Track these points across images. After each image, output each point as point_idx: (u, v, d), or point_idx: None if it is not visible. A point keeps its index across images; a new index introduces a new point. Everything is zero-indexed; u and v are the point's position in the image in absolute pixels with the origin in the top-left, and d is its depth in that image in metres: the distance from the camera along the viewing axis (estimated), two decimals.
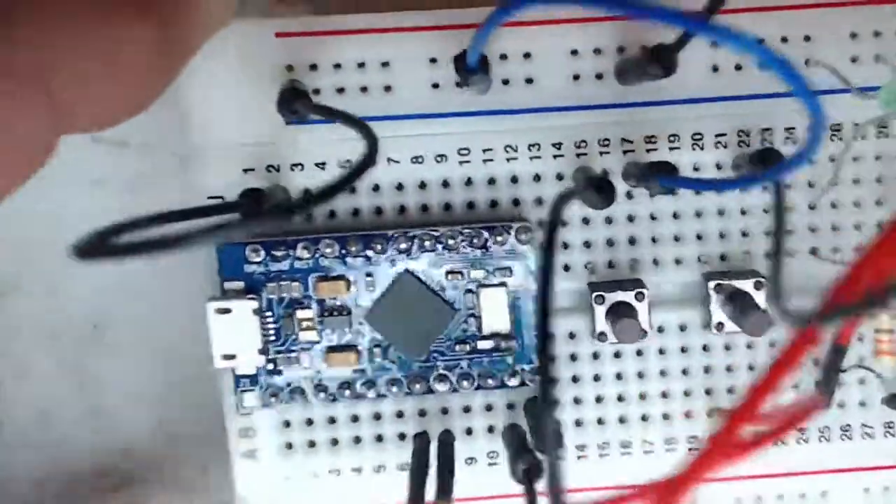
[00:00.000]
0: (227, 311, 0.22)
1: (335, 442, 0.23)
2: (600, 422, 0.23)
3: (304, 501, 0.23)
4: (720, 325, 0.22)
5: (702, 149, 0.23)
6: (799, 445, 0.23)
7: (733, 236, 0.23)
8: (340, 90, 0.22)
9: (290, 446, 0.23)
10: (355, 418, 0.23)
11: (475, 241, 0.22)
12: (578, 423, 0.23)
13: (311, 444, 0.23)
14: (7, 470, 0.28)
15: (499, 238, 0.22)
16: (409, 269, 0.22)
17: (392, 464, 0.23)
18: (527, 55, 0.22)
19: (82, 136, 0.25)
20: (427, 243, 0.22)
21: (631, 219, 0.23)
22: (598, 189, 0.20)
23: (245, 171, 0.22)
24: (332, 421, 0.23)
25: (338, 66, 0.22)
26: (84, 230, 0.25)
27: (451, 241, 0.22)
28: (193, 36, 0.18)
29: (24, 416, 0.28)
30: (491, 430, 0.23)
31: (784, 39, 0.22)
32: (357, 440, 0.23)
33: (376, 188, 0.23)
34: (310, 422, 0.23)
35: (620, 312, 0.22)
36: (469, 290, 0.22)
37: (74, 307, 0.27)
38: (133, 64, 0.17)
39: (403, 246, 0.22)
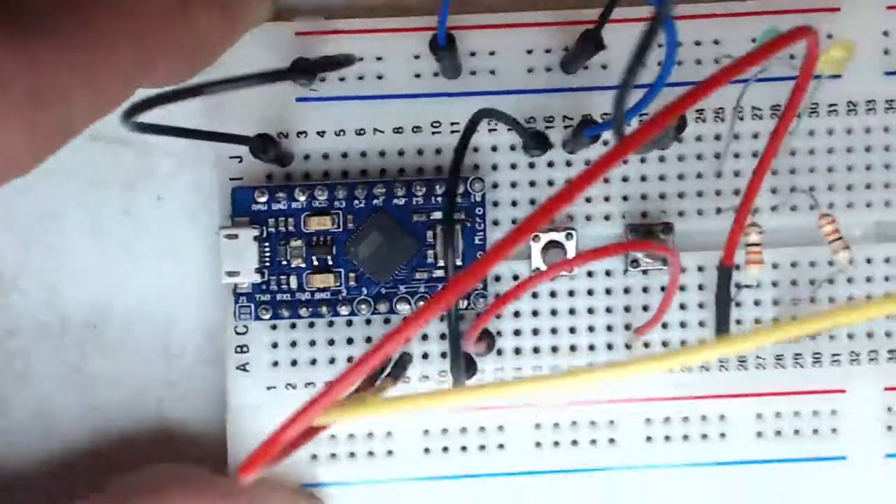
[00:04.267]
0: (234, 236, 0.27)
1: (314, 361, 0.28)
2: (536, 350, 0.28)
3: (284, 409, 0.28)
4: (635, 262, 0.27)
5: None
6: (701, 373, 0.28)
7: (652, 197, 0.28)
8: (342, 78, 0.28)
9: (276, 364, 0.28)
10: (331, 342, 0.28)
11: (438, 188, 0.27)
12: (517, 351, 0.28)
13: (294, 362, 0.28)
14: (7, 470, 0.28)
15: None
16: (384, 209, 0.27)
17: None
18: (492, 52, 0.28)
19: (81, 136, 0.27)
20: (400, 191, 0.27)
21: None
22: (536, 137, 0.26)
23: (259, 135, 0.28)
24: (313, 343, 0.28)
25: None
26: (84, 230, 0.29)
27: (419, 188, 0.27)
28: (242, 23, 0.24)
29: (24, 416, 0.28)
30: (444, 355, 0.28)
31: (697, 42, 0.28)
32: (332, 360, 0.28)
33: (363, 154, 0.28)
34: (294, 343, 0.28)
35: (552, 248, 0.26)
36: (430, 228, 0.27)
37: (74, 307, 0.28)
38: (203, 35, 0.23)
39: (381, 191, 0.27)
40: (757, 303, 0.28)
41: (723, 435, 0.28)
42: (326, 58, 0.25)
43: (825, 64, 0.21)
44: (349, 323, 0.28)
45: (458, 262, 0.27)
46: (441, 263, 0.27)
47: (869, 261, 0.28)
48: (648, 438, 0.28)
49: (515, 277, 0.28)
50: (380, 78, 0.28)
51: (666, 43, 0.20)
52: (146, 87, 0.22)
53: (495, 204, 0.28)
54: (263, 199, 0.27)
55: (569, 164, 0.28)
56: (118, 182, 0.28)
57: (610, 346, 0.28)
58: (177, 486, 0.25)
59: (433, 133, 0.28)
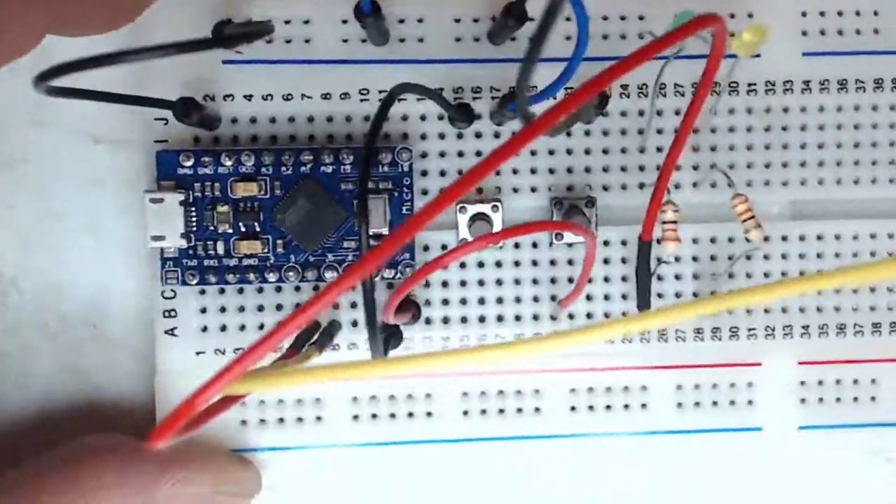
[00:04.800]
0: (160, 200, 0.26)
1: (243, 327, 0.28)
2: (464, 320, 0.28)
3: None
4: (560, 235, 0.27)
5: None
6: (623, 344, 0.28)
7: (577, 170, 0.28)
8: (269, 41, 0.28)
9: (205, 329, 0.28)
10: (261, 308, 0.28)
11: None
12: (445, 321, 0.28)
13: (223, 327, 0.28)
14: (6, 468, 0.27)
15: (385, 157, 0.27)
16: (312, 176, 0.27)
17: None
18: (420, 20, 0.28)
19: (83, 135, 0.28)
20: (328, 158, 0.27)
21: None
22: (460, 109, 0.26)
23: (182, 99, 0.28)
24: (242, 309, 0.28)
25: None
26: (84, 230, 0.28)
27: (347, 156, 0.27)
28: None
29: (24, 416, 0.28)
30: None
31: (622, 17, 0.28)
32: (261, 326, 0.28)
33: (292, 119, 0.28)
34: (223, 309, 0.28)
35: (478, 220, 0.27)
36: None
37: (74, 307, 0.28)
38: None
39: (308, 158, 0.27)
40: (678, 277, 0.28)
41: (644, 405, 0.29)
42: (247, 27, 0.25)
43: (738, 47, 0.21)
44: (278, 289, 0.28)
45: (385, 232, 0.27)
46: (371, 232, 0.27)
47: (784, 238, 0.28)
48: (573, 408, 0.29)
49: (444, 247, 0.28)
50: (307, 42, 0.28)
51: (577, 24, 0.20)
52: (61, 34, 0.21)
53: (424, 173, 0.28)
54: (189, 164, 0.27)
55: (497, 135, 0.28)
56: (118, 182, 0.28)
57: (536, 317, 0.28)
58: (103, 456, 0.25)
59: (361, 100, 0.28)
